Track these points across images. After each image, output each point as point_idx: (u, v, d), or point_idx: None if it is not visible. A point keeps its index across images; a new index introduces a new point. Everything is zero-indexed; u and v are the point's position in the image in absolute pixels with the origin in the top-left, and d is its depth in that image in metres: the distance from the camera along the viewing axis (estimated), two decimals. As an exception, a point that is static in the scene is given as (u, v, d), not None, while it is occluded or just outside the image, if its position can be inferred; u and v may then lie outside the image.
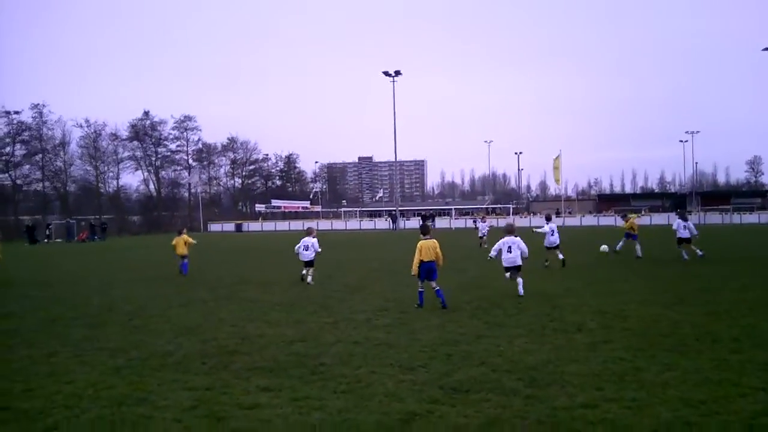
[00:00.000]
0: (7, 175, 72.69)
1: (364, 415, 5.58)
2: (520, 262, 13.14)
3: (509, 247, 13.12)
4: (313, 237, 16.43)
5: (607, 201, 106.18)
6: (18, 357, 8.36)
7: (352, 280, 16.87)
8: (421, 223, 14.37)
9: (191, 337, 9.41)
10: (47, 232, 59.76)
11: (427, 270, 11.74)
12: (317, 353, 8.12)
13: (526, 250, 13.18)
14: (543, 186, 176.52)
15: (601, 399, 5.86)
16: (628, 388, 6.20)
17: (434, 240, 11.93)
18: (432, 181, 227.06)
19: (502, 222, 65.35)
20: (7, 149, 72.48)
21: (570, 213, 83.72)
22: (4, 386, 6.81)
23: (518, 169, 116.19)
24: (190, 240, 20.78)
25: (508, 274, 13.33)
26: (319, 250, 16.49)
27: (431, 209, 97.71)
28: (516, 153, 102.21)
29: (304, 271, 16.30)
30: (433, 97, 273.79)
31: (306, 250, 16.13)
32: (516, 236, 13.24)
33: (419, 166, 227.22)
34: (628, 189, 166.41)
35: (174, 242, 20.33)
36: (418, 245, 11.87)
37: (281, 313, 11.54)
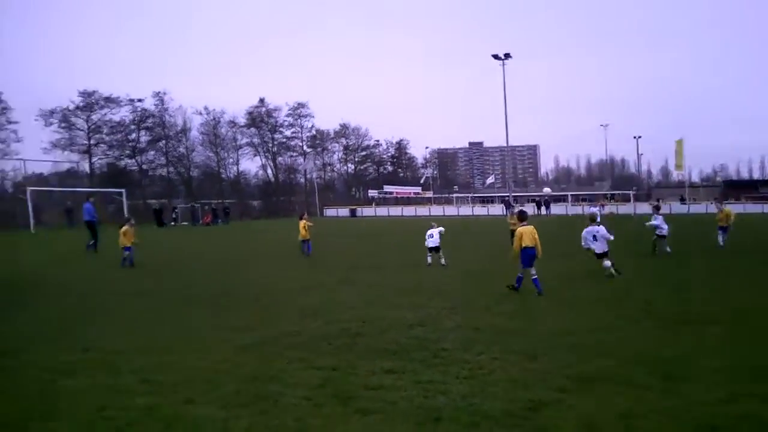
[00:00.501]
0: (134, 160, 76.72)
1: (490, 401, 5.57)
2: (606, 248, 13.79)
3: (593, 236, 13.88)
4: (437, 227, 17.32)
5: (734, 187, 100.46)
6: (155, 333, 8.89)
7: (470, 266, 16.83)
8: (521, 209, 14.48)
9: (315, 318, 9.69)
10: (173, 216, 62.80)
11: (530, 257, 11.74)
12: (438, 338, 8.18)
13: (609, 236, 13.81)
14: (665, 171, 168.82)
15: (741, 394, 5.60)
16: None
17: (532, 226, 11.97)
18: (545, 166, 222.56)
19: (623, 208, 63.33)
20: (133, 135, 76.38)
21: (695, 200, 79.79)
22: (143, 361, 7.26)
23: (638, 154, 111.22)
24: (309, 223, 21.78)
25: (607, 262, 13.69)
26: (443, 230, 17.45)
27: (544, 195, 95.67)
28: (635, 137, 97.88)
29: (430, 258, 16.95)
30: (544, 81, 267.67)
31: (431, 237, 17.03)
32: (599, 224, 14.13)
33: (531, 151, 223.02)
34: (756, 175, 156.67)
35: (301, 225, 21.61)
36: (518, 232, 11.96)
37: (400, 297, 11.67)
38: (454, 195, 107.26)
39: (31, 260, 21.36)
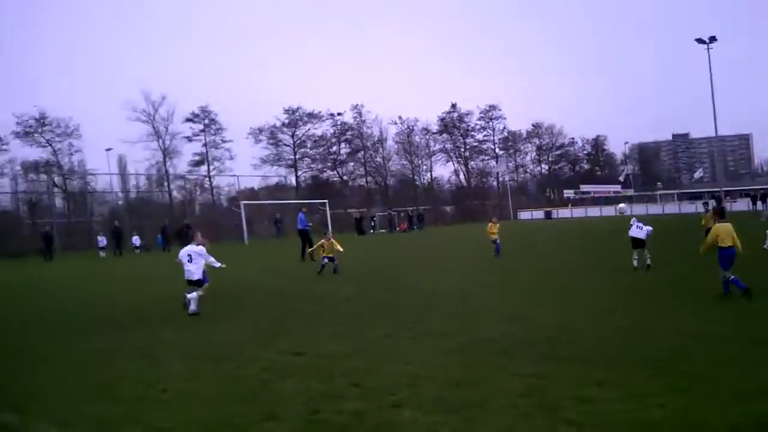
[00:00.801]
0: (335, 171, 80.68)
1: (714, 415, 5.14)
2: None
3: None
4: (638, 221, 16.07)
5: None
6: (360, 338, 9.22)
7: (680, 269, 15.78)
8: (714, 205, 13.27)
9: (515, 323, 9.55)
10: (372, 224, 65.06)
11: (727, 257, 10.78)
12: (650, 346, 7.71)
13: None
14: None
15: None
16: None
17: (730, 224, 10.99)
18: (760, 157, 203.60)
19: None
20: (334, 148, 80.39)
21: None
22: (351, 365, 7.54)
23: None
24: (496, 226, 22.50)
25: None
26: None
27: (762, 189, 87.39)
28: None
29: (636, 261, 15.61)
30: (756, 64, 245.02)
31: (639, 230, 15.65)
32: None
33: (744, 140, 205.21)
34: None
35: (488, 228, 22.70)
36: (714, 229, 11.01)
37: (602, 302, 11.22)
38: (658, 192, 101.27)
39: (247, 269, 23.05)
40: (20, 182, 62.87)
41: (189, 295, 12.36)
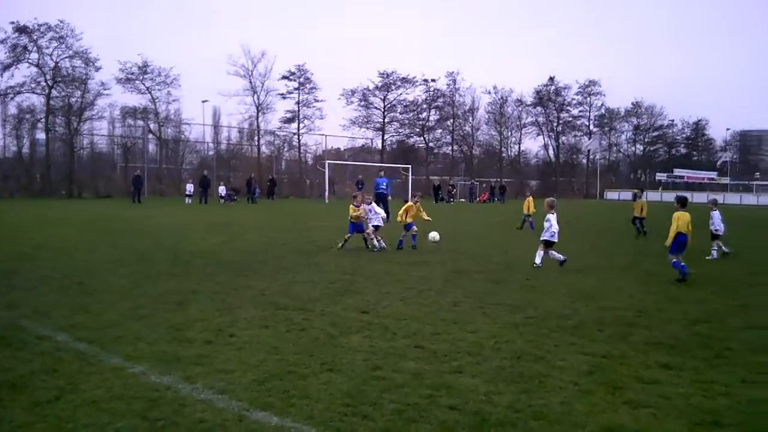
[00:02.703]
0: (422, 138, 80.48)
1: (783, 412, 4.94)
2: None
3: None
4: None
5: None
6: (427, 302, 9.23)
7: (762, 256, 15.09)
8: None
9: (588, 302, 9.36)
10: (451, 192, 64.73)
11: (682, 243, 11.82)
12: (723, 336, 7.43)
13: None
14: None
15: None
16: None
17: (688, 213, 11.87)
18: None
19: None
20: (424, 114, 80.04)
21: None
22: (416, 327, 7.58)
23: None
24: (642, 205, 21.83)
25: None
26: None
27: None
28: None
29: (715, 253, 15.38)
30: None
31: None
32: None
33: None
34: None
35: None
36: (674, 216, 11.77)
37: (680, 290, 10.85)
38: (754, 182, 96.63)
39: (325, 228, 23.39)
40: (117, 126, 65.37)
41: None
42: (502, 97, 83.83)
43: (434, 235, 15.13)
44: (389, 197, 26.69)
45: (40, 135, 58.65)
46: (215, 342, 6.81)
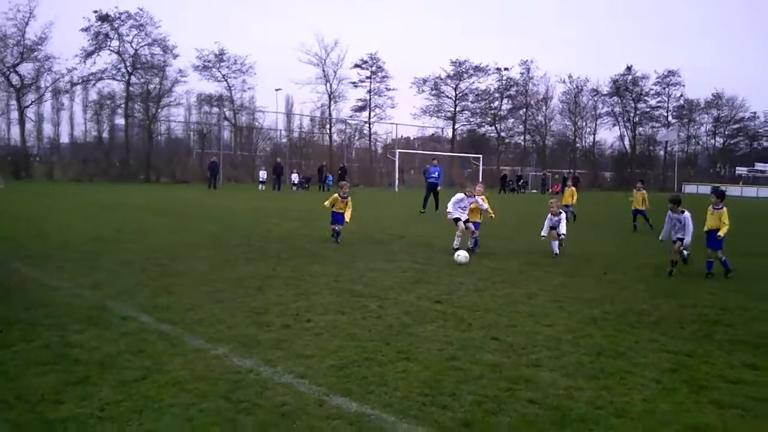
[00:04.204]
0: (493, 127, 79.74)
1: None
2: None
3: None
4: None
5: None
6: (501, 294, 9.14)
7: None
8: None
9: (669, 299, 9.09)
10: (519, 183, 63.90)
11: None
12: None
13: None
14: None
15: None
16: None
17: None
18: None
19: None
20: (496, 103, 79.23)
21: None
22: (491, 319, 7.51)
23: None
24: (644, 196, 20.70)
25: None
26: None
27: None
28: None
29: None
30: None
31: None
32: None
33: None
34: None
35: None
36: None
37: (766, 287, 10.45)
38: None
39: (396, 216, 23.47)
40: (193, 113, 67.09)
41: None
42: (577, 87, 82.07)
43: (463, 256, 12.00)
44: (439, 186, 26.17)
45: (119, 120, 60.91)
46: (293, 326, 6.92)
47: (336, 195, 14.76)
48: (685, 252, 11.57)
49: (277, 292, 8.76)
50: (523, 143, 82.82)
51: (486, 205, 14.28)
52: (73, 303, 7.86)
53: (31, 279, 9.38)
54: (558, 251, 13.55)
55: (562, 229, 13.67)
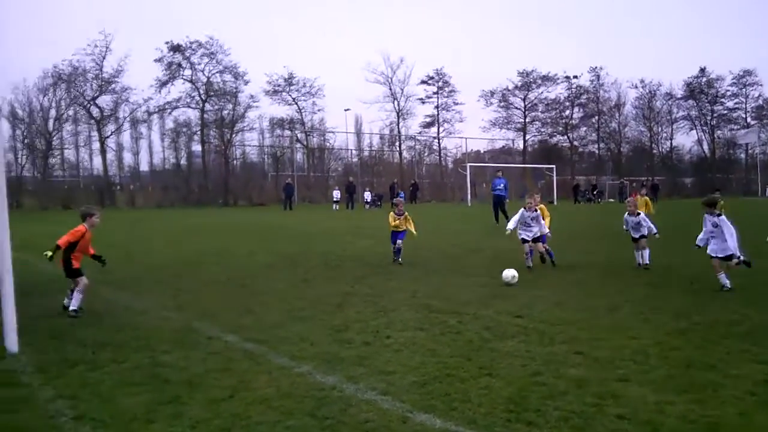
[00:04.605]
0: (565, 137, 78.53)
1: None
2: None
3: None
4: None
5: None
6: (583, 307, 8.96)
7: None
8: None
9: (759, 308, 8.69)
10: (595, 192, 62.49)
11: None
12: None
13: None
14: None
15: None
16: None
17: None
18: None
19: None
20: (566, 112, 78.03)
21: None
22: (573, 333, 7.36)
23: None
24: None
25: None
26: None
27: None
28: None
29: None
30: None
31: None
32: None
33: None
34: None
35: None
36: None
37: None
38: None
39: (471, 231, 23.34)
40: (266, 137, 68.65)
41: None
42: (650, 91, 79.96)
43: (509, 276, 10.93)
44: (506, 200, 25.70)
45: (196, 147, 62.85)
46: (373, 343, 6.97)
47: (392, 213, 14.30)
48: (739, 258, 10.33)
49: (356, 309, 8.86)
50: (597, 151, 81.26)
51: (543, 222, 13.35)
52: (160, 325, 8.15)
53: (119, 302, 9.77)
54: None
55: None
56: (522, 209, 13.10)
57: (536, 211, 13.02)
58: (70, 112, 58.66)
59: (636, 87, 79.93)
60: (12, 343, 6.86)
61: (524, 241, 12.96)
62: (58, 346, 7.10)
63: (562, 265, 13.13)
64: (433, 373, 5.83)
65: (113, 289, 10.93)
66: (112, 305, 9.46)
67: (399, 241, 13.99)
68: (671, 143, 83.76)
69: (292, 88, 66.21)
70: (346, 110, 72.03)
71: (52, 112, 57.00)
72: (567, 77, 76.58)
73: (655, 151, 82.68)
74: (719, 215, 10.46)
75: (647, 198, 22.28)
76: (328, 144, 71.59)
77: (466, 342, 7.00)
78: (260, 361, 6.32)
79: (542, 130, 78.88)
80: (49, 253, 8.61)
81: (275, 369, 6.04)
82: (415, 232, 14.38)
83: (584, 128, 79.92)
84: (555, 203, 47.02)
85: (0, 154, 6.97)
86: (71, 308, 8.66)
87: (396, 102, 70.31)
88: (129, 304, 9.65)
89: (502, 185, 25.80)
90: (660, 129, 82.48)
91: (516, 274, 10.87)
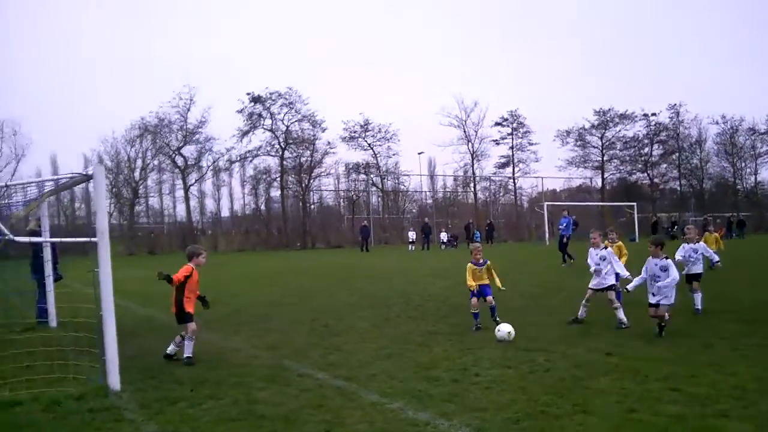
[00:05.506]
0: (645, 174, 76.75)
1: None
2: None
3: None
4: None
5: None
6: (675, 344, 8.73)
7: None
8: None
9: None
10: (672, 228, 60.49)
11: None
12: None
13: None
14: None
15: None
16: None
17: None
18: None
19: None
20: (646, 150, 76.35)
21: None
22: (668, 370, 7.19)
23: None
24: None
25: None
26: None
27: None
28: None
29: None
30: None
31: None
32: None
33: None
34: None
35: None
36: None
37: None
38: None
39: (550, 270, 23.03)
40: (342, 181, 69.83)
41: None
42: (731, 127, 77.52)
43: (504, 333, 9.41)
44: (566, 238, 25.06)
45: (275, 192, 64.31)
46: (462, 381, 6.99)
47: (470, 266, 11.28)
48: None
49: (442, 348, 8.89)
50: (679, 188, 79.00)
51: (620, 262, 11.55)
52: (253, 363, 8.38)
53: (211, 342, 10.06)
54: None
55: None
56: (590, 249, 11.41)
57: (606, 248, 11.26)
58: (156, 162, 61.01)
59: (717, 123, 77.74)
60: (114, 381, 7.19)
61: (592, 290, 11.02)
62: (157, 384, 7.39)
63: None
64: (526, 410, 5.80)
65: (204, 330, 11.21)
66: (204, 345, 9.74)
67: (489, 297, 11.00)
68: (755, 178, 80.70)
69: (367, 133, 67.37)
70: (420, 153, 72.68)
71: (138, 162, 59.44)
72: (645, 115, 75.10)
73: (739, 187, 79.87)
74: (666, 258, 9.77)
75: (717, 235, 21.36)
76: (402, 187, 72.25)
77: (557, 380, 6.93)
78: (352, 398, 6.42)
79: (621, 168, 77.33)
80: (164, 273, 8.50)
81: (367, 405, 6.13)
82: (501, 286, 11.31)
83: (665, 165, 77.97)
84: (637, 240, 45.77)
85: (101, 206, 7.43)
86: (185, 355, 8.59)
87: (470, 144, 70.42)
88: (221, 344, 9.95)
89: (564, 224, 25.51)
90: (744, 164, 79.75)
91: (512, 331, 9.39)
